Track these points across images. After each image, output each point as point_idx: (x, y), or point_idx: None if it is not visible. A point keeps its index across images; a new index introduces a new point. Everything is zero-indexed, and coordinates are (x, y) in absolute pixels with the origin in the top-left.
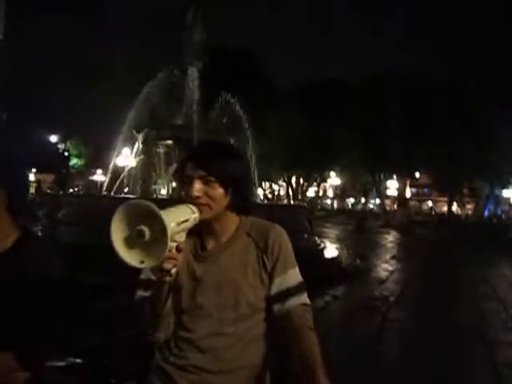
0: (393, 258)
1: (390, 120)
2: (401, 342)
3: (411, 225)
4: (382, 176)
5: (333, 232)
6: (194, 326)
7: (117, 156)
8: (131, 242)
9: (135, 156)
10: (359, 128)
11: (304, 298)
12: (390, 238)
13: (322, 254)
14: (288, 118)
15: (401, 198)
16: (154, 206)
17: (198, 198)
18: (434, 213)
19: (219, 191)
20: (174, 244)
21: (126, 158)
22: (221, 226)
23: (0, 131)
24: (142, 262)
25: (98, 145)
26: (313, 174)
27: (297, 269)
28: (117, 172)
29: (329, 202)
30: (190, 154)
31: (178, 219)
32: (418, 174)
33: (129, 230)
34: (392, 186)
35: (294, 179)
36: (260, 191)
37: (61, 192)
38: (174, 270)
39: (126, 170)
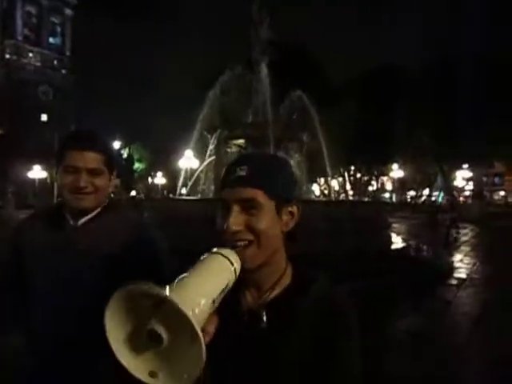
0: (488, 254)
1: (465, 106)
2: None
3: (489, 217)
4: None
5: (402, 228)
6: None
7: (179, 158)
8: (136, 343)
9: (207, 157)
10: (426, 116)
11: None
12: (470, 233)
13: (410, 252)
14: (345, 110)
15: (478, 189)
16: (171, 296)
17: None
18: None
19: None
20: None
21: (188, 159)
22: None
23: None
24: (154, 375)
25: (157, 148)
26: (373, 168)
27: None
28: (178, 174)
29: (387, 195)
30: None
31: (215, 293)
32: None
33: (131, 326)
34: (459, 177)
35: (351, 173)
36: (315, 187)
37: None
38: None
39: (197, 172)
